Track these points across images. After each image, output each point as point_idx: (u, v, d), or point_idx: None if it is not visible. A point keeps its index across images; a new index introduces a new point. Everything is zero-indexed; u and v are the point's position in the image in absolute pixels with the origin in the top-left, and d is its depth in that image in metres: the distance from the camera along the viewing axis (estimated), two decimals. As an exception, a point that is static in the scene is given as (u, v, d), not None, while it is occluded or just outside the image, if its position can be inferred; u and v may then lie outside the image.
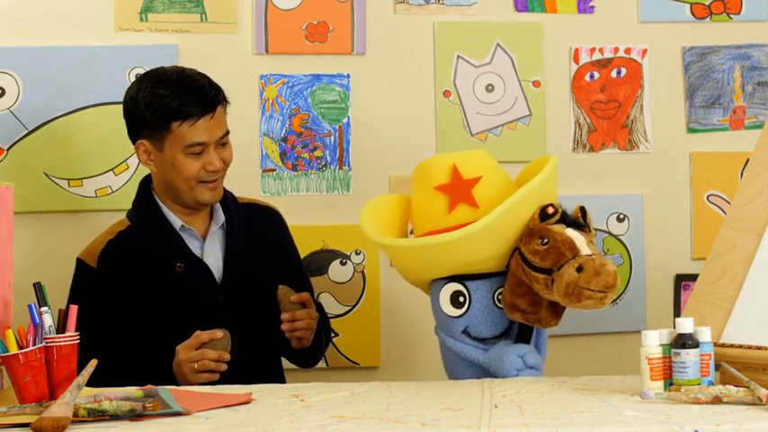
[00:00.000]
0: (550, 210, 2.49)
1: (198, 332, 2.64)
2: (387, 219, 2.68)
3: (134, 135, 2.81)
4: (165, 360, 2.66)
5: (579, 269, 2.40)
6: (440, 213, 2.56)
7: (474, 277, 2.55)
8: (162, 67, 2.83)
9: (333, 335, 3.12)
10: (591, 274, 2.39)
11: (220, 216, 2.85)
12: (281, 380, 2.90)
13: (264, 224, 2.93)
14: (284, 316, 2.74)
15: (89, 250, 2.83)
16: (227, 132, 2.81)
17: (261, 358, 2.82)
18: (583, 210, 2.53)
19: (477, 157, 2.62)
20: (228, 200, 2.88)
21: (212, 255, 2.83)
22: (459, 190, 2.55)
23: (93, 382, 2.29)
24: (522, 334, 2.55)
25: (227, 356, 2.62)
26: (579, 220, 2.52)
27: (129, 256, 2.80)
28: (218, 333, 2.63)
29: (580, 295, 2.40)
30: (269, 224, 2.94)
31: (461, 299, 2.56)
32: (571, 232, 2.47)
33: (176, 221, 2.82)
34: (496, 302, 2.55)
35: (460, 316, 2.57)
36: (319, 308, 2.98)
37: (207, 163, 2.76)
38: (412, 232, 2.64)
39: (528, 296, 2.48)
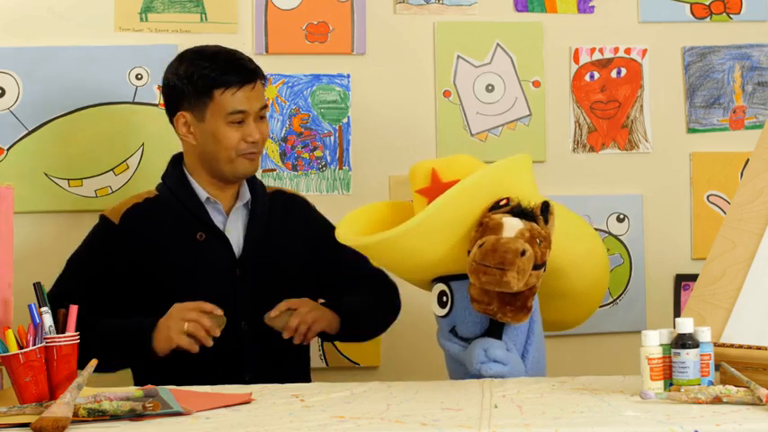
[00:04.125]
0: (503, 201, 2.49)
1: (202, 302, 2.66)
2: (366, 223, 2.68)
3: (173, 109, 2.86)
4: (151, 317, 2.67)
5: (480, 246, 2.40)
6: None
7: (459, 278, 2.56)
8: (201, 45, 2.91)
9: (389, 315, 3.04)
10: (487, 249, 2.38)
11: (246, 194, 2.90)
12: (305, 353, 2.92)
13: (289, 210, 2.96)
14: (285, 335, 2.73)
15: (114, 209, 2.88)
16: (266, 106, 2.88)
17: (277, 338, 2.81)
18: (544, 204, 2.51)
19: (458, 162, 2.65)
20: (255, 182, 2.93)
21: (234, 230, 2.87)
22: (437, 193, 2.56)
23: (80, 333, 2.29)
24: (492, 329, 2.55)
25: (217, 333, 2.63)
26: (532, 212, 2.48)
27: (152, 220, 2.84)
28: (219, 311, 2.65)
29: (477, 272, 2.39)
30: (294, 210, 2.97)
31: (444, 298, 2.58)
32: (507, 218, 2.46)
33: (203, 194, 2.86)
34: None
35: (445, 316, 2.59)
36: (379, 273, 2.95)
37: (247, 134, 2.81)
38: None
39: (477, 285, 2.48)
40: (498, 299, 2.45)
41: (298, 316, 2.74)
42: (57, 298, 2.44)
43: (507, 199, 2.49)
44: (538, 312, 2.60)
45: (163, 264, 2.79)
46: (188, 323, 2.62)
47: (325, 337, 2.86)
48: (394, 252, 2.56)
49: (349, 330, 2.85)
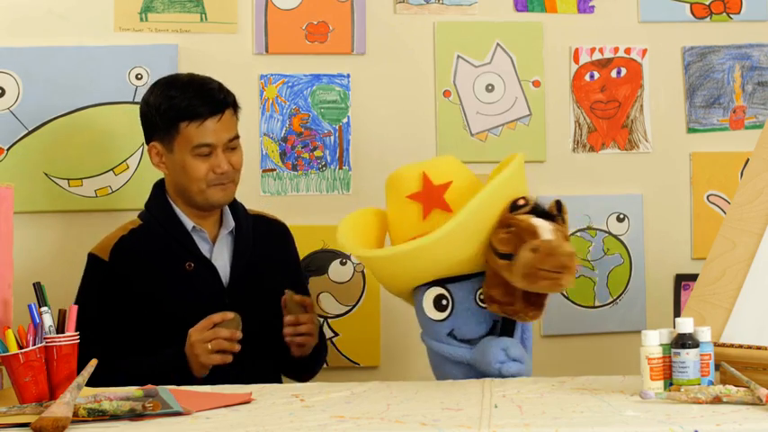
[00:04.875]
0: (521, 201, 2.51)
1: (210, 315, 2.67)
2: (365, 231, 2.69)
3: (148, 138, 2.87)
4: (177, 347, 2.69)
5: (534, 250, 2.42)
6: (415, 221, 2.59)
7: (455, 280, 2.57)
8: (176, 74, 2.93)
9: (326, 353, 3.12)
10: (544, 254, 2.41)
11: (230, 221, 2.89)
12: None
13: (272, 235, 2.97)
14: (288, 319, 2.76)
15: (101, 245, 2.86)
16: (237, 136, 2.85)
17: (261, 364, 2.83)
18: (558, 203, 2.54)
19: (445, 163, 2.67)
20: (238, 208, 2.92)
21: (220, 258, 2.86)
22: (431, 196, 2.57)
23: (105, 376, 2.30)
24: (506, 328, 2.56)
25: (240, 335, 2.65)
26: (551, 212, 2.52)
27: (140, 252, 2.83)
28: (230, 314, 2.67)
29: (535, 276, 2.41)
30: (276, 236, 2.98)
31: (444, 302, 2.58)
32: (536, 220, 2.48)
33: (188, 223, 2.85)
34: (479, 302, 2.56)
35: (444, 319, 2.59)
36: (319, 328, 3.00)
37: (215, 165, 2.80)
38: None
39: (502, 287, 2.49)
40: (523, 299, 2.48)
41: (310, 321, 2.78)
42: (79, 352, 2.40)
43: (524, 199, 2.51)
44: None
45: (155, 294, 2.79)
46: (210, 344, 2.64)
47: (282, 359, 2.86)
48: (418, 260, 2.55)
49: (305, 362, 2.88)
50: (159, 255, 2.82)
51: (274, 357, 2.87)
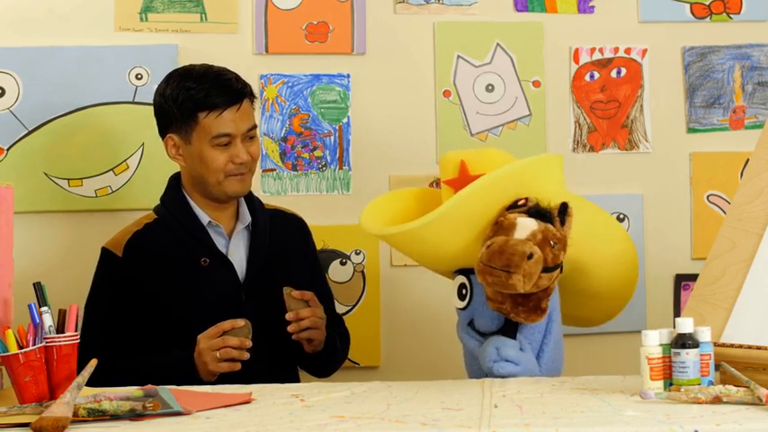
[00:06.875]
0: (521, 201, 2.49)
1: (219, 323, 2.66)
2: (393, 214, 2.68)
3: (163, 130, 2.85)
4: (186, 351, 2.68)
5: (488, 247, 2.40)
6: None
7: None
8: (190, 64, 2.89)
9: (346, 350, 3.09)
10: (493, 251, 2.38)
11: (246, 216, 2.87)
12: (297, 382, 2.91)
13: (289, 230, 2.95)
14: (288, 315, 2.74)
15: (115, 240, 2.85)
16: (255, 126, 2.84)
17: (279, 361, 2.83)
18: (563, 206, 2.50)
19: (488, 155, 2.65)
20: (255, 202, 2.91)
21: (237, 253, 2.85)
22: (464, 185, 2.55)
23: (112, 374, 2.29)
24: (507, 327, 2.55)
25: (249, 343, 2.63)
26: (548, 213, 2.48)
27: (155, 247, 2.81)
28: (240, 322, 2.65)
29: (484, 273, 2.39)
30: (294, 230, 2.96)
31: (464, 291, 2.58)
32: (522, 219, 2.45)
33: (204, 217, 2.84)
34: None
35: (464, 308, 2.59)
36: (339, 320, 2.98)
37: (234, 155, 2.78)
38: None
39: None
40: (511, 299, 2.46)
41: (312, 314, 2.75)
42: (89, 348, 2.41)
43: (526, 199, 2.49)
44: (557, 312, 2.59)
45: (169, 291, 2.77)
46: (218, 352, 2.63)
47: (294, 352, 2.84)
48: (416, 243, 2.56)
49: (320, 358, 2.85)
50: (173, 250, 2.81)
51: (292, 353, 2.86)
